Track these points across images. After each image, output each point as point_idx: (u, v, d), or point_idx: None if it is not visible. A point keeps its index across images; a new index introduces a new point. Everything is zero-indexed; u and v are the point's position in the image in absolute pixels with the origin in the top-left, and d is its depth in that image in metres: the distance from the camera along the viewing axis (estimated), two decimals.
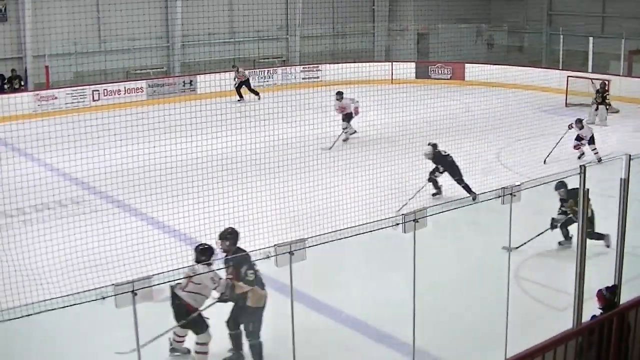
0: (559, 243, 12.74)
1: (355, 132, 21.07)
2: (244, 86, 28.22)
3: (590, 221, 11.63)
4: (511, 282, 9.10)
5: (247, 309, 8.85)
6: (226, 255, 9.12)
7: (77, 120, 18.27)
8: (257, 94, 28.03)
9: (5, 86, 27.16)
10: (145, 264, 10.66)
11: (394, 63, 32.21)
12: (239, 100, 27.79)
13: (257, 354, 8.95)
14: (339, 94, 21.17)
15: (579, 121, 18.92)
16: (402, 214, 7.51)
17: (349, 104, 20.82)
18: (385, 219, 7.79)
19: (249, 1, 29.34)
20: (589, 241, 11.31)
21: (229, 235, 9.13)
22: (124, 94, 27.97)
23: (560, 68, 29.38)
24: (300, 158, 16.19)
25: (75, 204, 15.20)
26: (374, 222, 7.45)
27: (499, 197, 8.11)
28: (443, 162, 15.47)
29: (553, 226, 12.58)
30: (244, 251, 9.04)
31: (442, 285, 11.01)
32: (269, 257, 6.97)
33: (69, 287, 10.10)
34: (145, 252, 11.75)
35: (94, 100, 27.31)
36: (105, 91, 27.71)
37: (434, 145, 15.56)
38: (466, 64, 31.62)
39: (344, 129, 20.78)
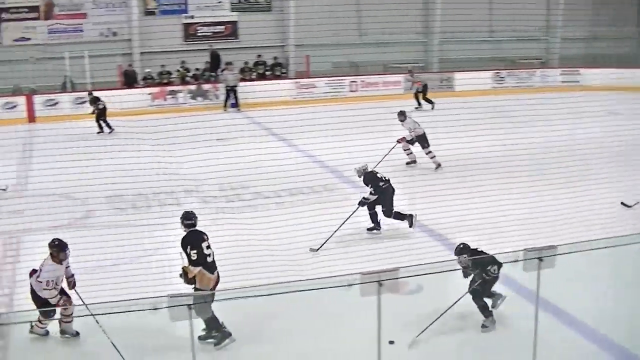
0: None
1: (414, 161, 17.58)
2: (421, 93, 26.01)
3: (490, 284, 9.24)
4: None
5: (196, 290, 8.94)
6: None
7: (334, 110, 18.85)
8: (431, 102, 25.39)
9: (267, 72, 28.66)
10: (392, 255, 10.71)
11: None
12: (416, 108, 25.07)
13: (211, 326, 8.90)
14: (402, 114, 17.61)
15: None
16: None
17: (413, 127, 17.31)
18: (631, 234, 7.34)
19: (509, 0, 28.78)
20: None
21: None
22: (381, 86, 28.46)
23: None
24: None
25: (328, 191, 15.54)
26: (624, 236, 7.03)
27: None
28: (375, 185, 12.86)
29: (475, 295, 9.17)
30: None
31: None
32: (517, 261, 6.85)
33: (317, 271, 10.45)
34: (394, 244, 11.90)
35: (351, 91, 28.07)
36: (362, 83, 28.40)
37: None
38: None
39: (405, 150, 17.52)
